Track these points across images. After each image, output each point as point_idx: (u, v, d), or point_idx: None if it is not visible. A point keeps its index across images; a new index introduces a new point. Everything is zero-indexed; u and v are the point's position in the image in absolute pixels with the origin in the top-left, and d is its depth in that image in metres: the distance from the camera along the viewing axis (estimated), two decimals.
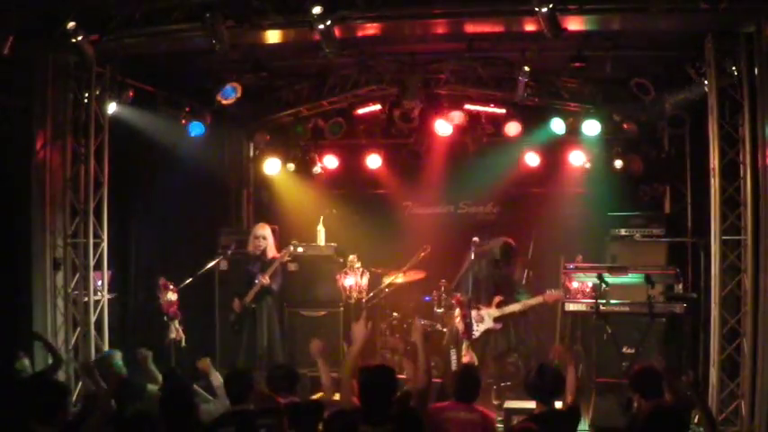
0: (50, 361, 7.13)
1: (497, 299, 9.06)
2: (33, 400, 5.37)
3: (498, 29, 7.99)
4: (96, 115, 8.57)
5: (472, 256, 8.98)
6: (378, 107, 10.42)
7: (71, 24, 7.40)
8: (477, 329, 8.96)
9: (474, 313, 9.03)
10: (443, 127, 10.24)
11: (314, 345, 6.72)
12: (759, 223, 7.29)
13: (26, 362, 7.22)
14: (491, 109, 10.24)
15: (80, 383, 8.26)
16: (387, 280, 10.21)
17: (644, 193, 10.36)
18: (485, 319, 9.00)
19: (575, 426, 5.91)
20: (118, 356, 7.18)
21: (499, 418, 8.03)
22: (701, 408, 5.83)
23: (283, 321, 10.00)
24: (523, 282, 9.63)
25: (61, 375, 7.59)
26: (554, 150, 10.58)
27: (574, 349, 8.72)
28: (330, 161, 11.35)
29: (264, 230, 9.49)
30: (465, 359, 8.75)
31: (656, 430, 4.86)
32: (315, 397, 7.34)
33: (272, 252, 9.45)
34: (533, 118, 10.21)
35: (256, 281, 9.18)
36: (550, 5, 6.79)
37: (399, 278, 10.21)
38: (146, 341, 8.21)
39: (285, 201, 11.56)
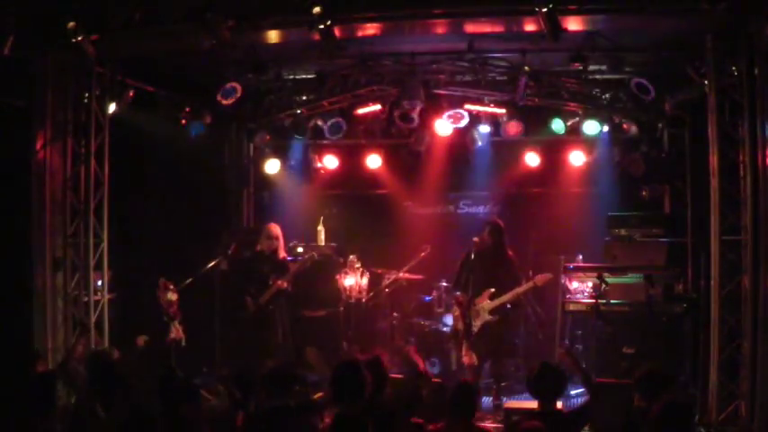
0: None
1: (489, 291, 9.01)
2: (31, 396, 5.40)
3: (498, 29, 7.98)
4: (96, 115, 8.57)
5: (472, 256, 8.96)
6: (378, 107, 10.41)
7: (71, 24, 7.38)
8: (476, 325, 8.93)
9: (472, 309, 9.02)
10: (443, 127, 10.25)
11: (309, 352, 6.71)
12: (759, 223, 7.28)
13: None
14: (491, 109, 10.24)
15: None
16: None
17: (644, 193, 10.35)
18: (480, 313, 8.93)
19: (580, 428, 5.89)
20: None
21: (498, 418, 8.05)
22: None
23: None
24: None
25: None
26: (554, 150, 10.59)
27: (572, 351, 8.72)
28: (330, 161, 11.35)
29: (277, 230, 9.53)
30: (465, 360, 8.74)
31: (667, 426, 4.88)
32: (315, 397, 7.34)
33: (281, 253, 9.47)
34: (533, 118, 10.21)
35: (271, 282, 9.20)
36: (550, 5, 6.79)
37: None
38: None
39: (285, 201, 11.56)
